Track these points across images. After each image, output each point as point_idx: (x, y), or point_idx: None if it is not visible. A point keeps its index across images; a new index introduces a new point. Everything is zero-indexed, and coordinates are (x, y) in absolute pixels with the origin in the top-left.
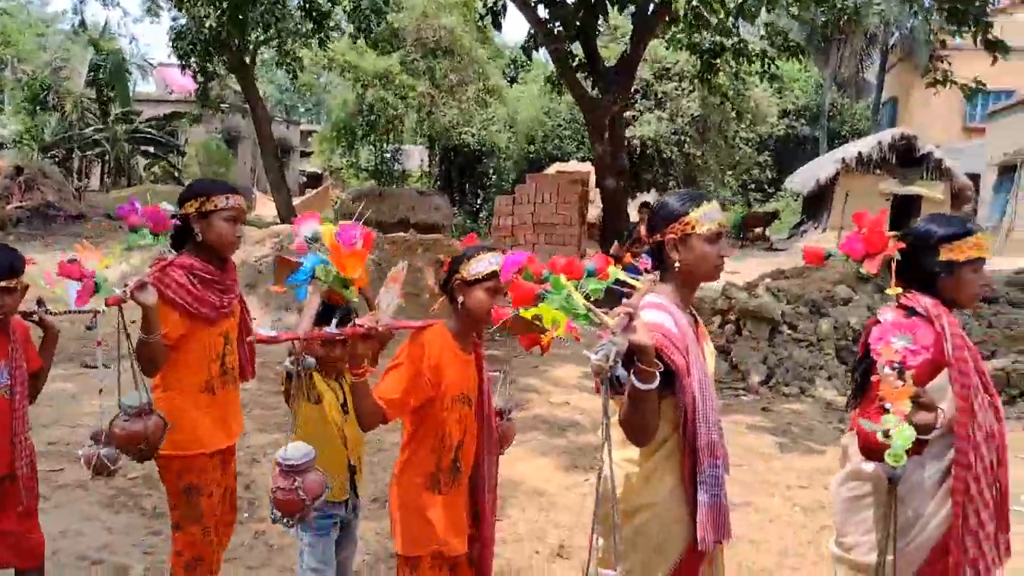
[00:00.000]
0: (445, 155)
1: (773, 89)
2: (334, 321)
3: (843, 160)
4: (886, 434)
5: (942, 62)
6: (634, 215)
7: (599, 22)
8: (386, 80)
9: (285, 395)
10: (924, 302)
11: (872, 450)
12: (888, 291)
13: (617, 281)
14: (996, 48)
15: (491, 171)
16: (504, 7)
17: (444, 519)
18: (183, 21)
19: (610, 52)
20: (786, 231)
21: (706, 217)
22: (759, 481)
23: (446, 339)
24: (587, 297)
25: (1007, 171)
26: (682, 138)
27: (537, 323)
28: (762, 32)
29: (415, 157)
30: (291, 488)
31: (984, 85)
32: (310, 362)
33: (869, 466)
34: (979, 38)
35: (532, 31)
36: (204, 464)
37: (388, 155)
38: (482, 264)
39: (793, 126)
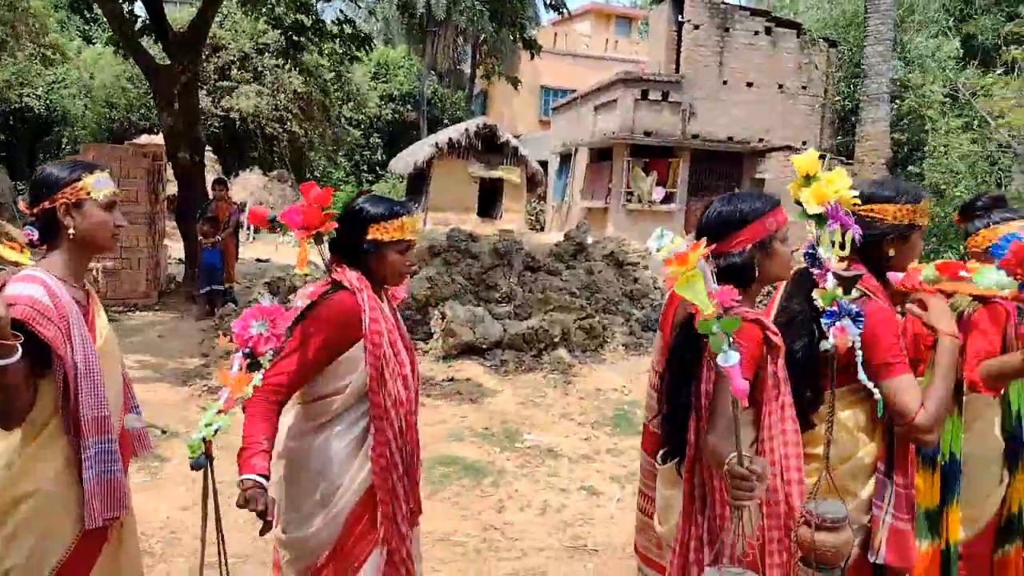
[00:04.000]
0: (4, 121)
1: (374, 73)
2: None
3: (436, 144)
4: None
5: (492, 58)
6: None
7: None
8: None
9: None
10: (350, 276)
11: None
12: (296, 270)
13: None
14: (531, 47)
15: (64, 141)
16: None
17: None
18: None
19: None
20: None
21: (100, 184)
22: None
23: None
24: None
25: (565, 159)
26: (285, 114)
27: None
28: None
29: None
30: None
31: (520, 81)
32: None
33: (292, 443)
34: (518, 37)
35: None
36: None
37: None
38: None
39: (399, 111)
